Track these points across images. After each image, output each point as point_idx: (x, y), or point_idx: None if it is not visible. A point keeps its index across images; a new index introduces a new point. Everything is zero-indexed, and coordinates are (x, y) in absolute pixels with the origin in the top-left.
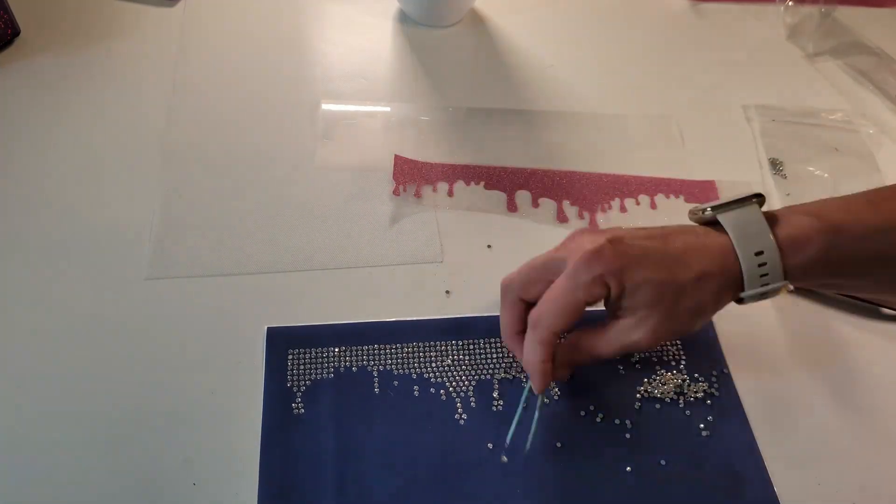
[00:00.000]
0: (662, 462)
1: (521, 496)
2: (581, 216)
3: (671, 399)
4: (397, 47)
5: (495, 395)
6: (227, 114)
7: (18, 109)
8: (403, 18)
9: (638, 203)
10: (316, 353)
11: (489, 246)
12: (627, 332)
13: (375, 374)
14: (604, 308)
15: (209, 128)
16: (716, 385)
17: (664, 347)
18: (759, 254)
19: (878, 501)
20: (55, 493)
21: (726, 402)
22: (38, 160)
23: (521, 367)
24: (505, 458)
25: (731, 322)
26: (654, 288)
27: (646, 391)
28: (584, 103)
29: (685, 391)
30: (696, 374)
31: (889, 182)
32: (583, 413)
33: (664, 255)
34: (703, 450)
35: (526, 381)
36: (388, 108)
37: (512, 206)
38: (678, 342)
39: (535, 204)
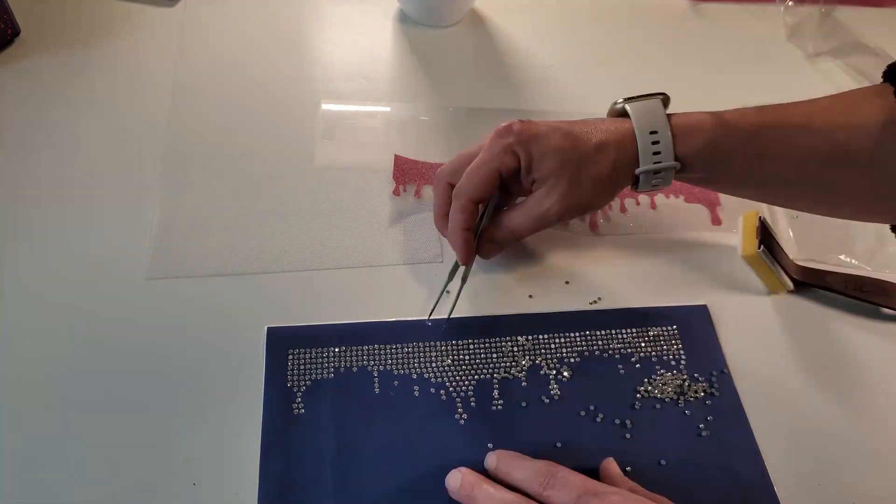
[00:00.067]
0: (662, 462)
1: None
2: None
3: (671, 399)
4: (397, 47)
5: (495, 394)
6: (227, 114)
7: (18, 109)
8: (403, 18)
9: (638, 203)
10: (316, 353)
11: None
12: (539, 202)
13: (376, 374)
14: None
15: (209, 128)
16: (716, 385)
17: (664, 347)
18: (653, 133)
19: (877, 502)
20: (55, 493)
21: (726, 402)
22: (38, 160)
23: (520, 367)
24: (429, 323)
25: (731, 323)
26: (558, 156)
27: (645, 391)
28: (584, 103)
29: (685, 391)
30: (696, 375)
31: None
32: (582, 413)
33: (568, 131)
34: (703, 450)
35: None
36: (388, 108)
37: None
38: (679, 343)
39: None
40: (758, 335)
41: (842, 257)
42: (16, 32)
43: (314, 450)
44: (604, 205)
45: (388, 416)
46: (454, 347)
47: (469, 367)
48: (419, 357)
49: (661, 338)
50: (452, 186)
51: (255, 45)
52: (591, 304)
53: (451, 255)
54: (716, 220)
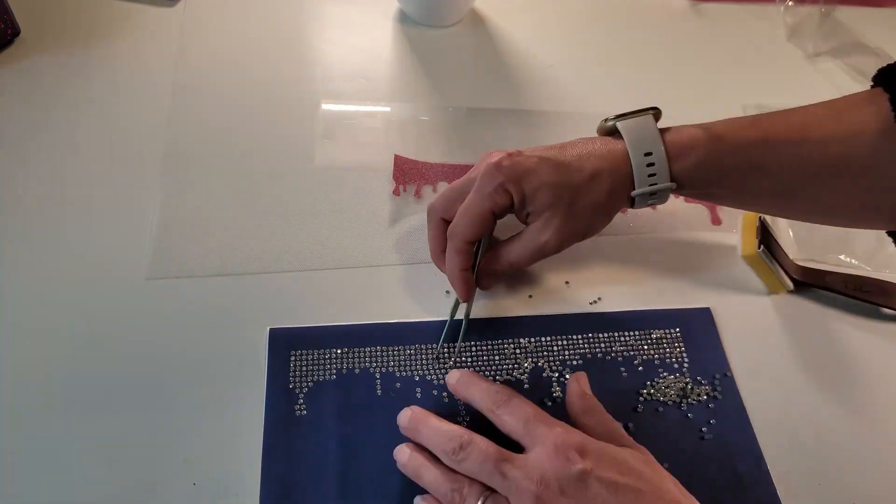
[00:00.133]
0: (665, 465)
1: None
2: None
3: (673, 402)
4: (397, 47)
5: None
6: (226, 114)
7: (18, 109)
8: (403, 18)
9: None
10: (318, 354)
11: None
12: (536, 235)
13: (378, 375)
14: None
15: (209, 128)
16: (718, 388)
17: (667, 350)
18: (647, 154)
19: (878, 502)
20: (55, 493)
21: (729, 404)
22: (37, 160)
23: (522, 370)
24: (444, 355)
25: (731, 323)
26: (550, 190)
27: (648, 394)
28: (584, 103)
29: (688, 394)
30: (699, 378)
31: None
32: None
33: (559, 161)
34: (706, 453)
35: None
36: (388, 108)
37: None
38: (682, 346)
39: None
40: (758, 336)
41: (842, 257)
42: (16, 32)
43: (316, 451)
44: (601, 229)
45: (391, 418)
46: (455, 349)
47: (471, 369)
48: (421, 359)
49: (664, 340)
50: (444, 221)
51: (255, 45)
52: (591, 304)
53: None
54: (716, 220)
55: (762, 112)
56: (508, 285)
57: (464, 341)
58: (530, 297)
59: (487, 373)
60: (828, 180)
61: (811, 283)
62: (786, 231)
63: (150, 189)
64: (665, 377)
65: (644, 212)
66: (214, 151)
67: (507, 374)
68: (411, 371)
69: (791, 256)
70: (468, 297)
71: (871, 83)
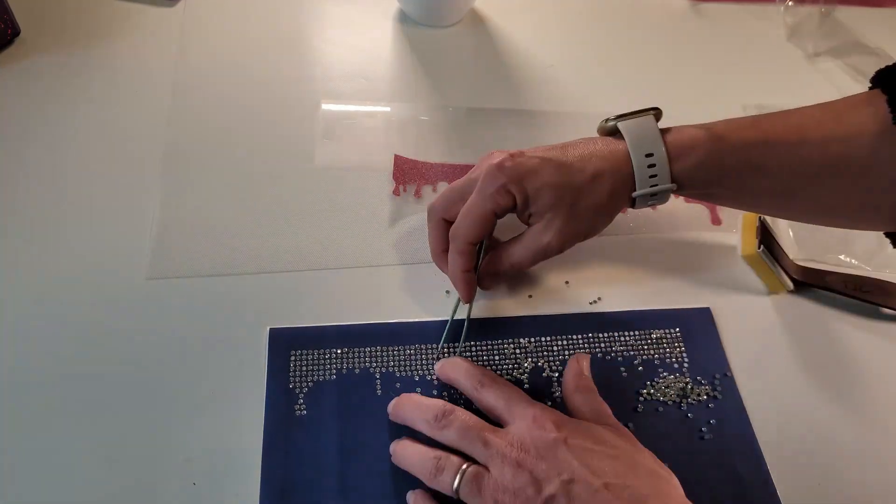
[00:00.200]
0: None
1: None
2: None
3: (673, 402)
4: (397, 47)
5: None
6: (226, 114)
7: (18, 109)
8: (403, 18)
9: None
10: (318, 354)
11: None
12: (538, 236)
13: (378, 375)
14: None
15: (209, 128)
16: (718, 388)
17: (667, 350)
18: (649, 155)
19: (878, 501)
20: (55, 493)
21: (729, 404)
22: (37, 160)
23: (522, 370)
24: (445, 353)
25: (731, 323)
26: (552, 191)
27: (648, 394)
28: (584, 103)
29: (688, 394)
30: (699, 377)
31: None
32: None
33: (561, 162)
34: (706, 452)
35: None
36: (388, 108)
37: None
38: (682, 346)
39: None
40: (758, 336)
41: (842, 257)
42: (16, 32)
43: (316, 451)
44: (602, 229)
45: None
46: (457, 350)
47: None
48: (421, 359)
49: (664, 340)
50: (445, 221)
51: (255, 45)
52: (591, 304)
53: None
54: (716, 220)
55: (762, 112)
56: (508, 285)
57: (465, 341)
58: (530, 297)
59: None
60: (827, 181)
61: (811, 283)
62: (786, 231)
63: (150, 189)
64: (665, 377)
65: (644, 212)
66: (214, 151)
67: (507, 374)
68: (411, 371)
69: (791, 256)
70: (470, 298)
71: (870, 84)
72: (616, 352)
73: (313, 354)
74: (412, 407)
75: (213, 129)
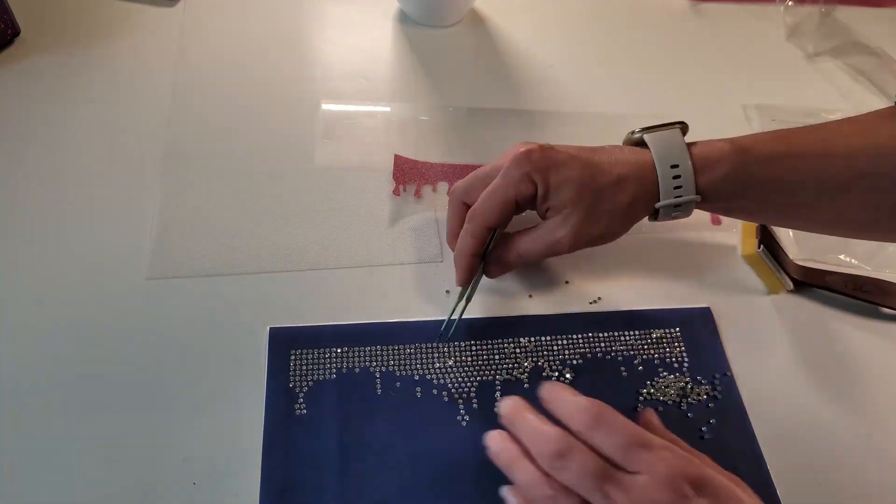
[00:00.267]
0: None
1: None
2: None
3: (673, 402)
4: (397, 47)
5: (498, 396)
6: (226, 114)
7: (18, 109)
8: (403, 18)
9: None
10: (318, 353)
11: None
12: (552, 231)
13: (378, 374)
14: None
15: (209, 128)
16: (718, 388)
17: (667, 350)
18: (674, 167)
19: (877, 501)
20: (55, 493)
21: (729, 404)
22: (38, 160)
23: (522, 369)
24: (442, 343)
25: (731, 323)
26: (575, 187)
27: (648, 393)
28: (584, 103)
29: (688, 394)
30: (699, 377)
31: None
32: None
33: (588, 161)
34: (706, 452)
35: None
36: (388, 108)
37: None
38: (682, 346)
39: None
40: (758, 335)
41: (842, 257)
42: (16, 32)
43: (316, 450)
44: (618, 236)
45: (390, 417)
46: (456, 349)
47: (471, 369)
48: (421, 358)
49: (664, 340)
50: (465, 205)
51: (255, 45)
52: (591, 304)
53: (451, 255)
54: (716, 220)
55: (762, 111)
56: (509, 284)
57: (466, 338)
58: (530, 296)
59: (487, 372)
60: (853, 194)
61: (811, 283)
62: (786, 231)
63: (150, 189)
64: (665, 377)
65: None
66: (214, 151)
67: (507, 374)
68: (411, 370)
69: (791, 256)
70: (465, 283)
71: (895, 100)
72: (616, 352)
73: (313, 354)
74: (529, 430)
75: (213, 129)
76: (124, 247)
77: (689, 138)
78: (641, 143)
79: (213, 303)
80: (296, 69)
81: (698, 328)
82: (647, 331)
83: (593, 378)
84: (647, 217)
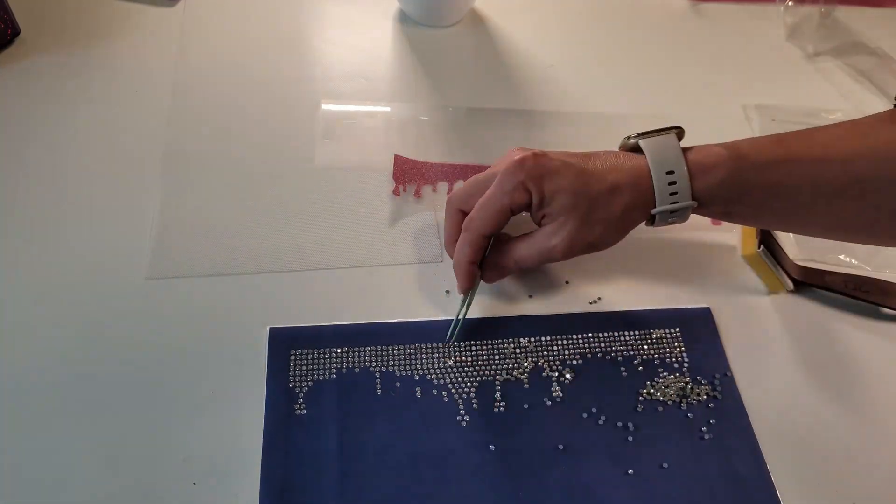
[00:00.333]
0: (664, 465)
1: (523, 498)
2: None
3: (673, 402)
4: (397, 47)
5: (497, 396)
6: (227, 114)
7: (18, 109)
8: (403, 18)
9: None
10: (318, 353)
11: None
12: (547, 238)
13: (378, 375)
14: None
15: (209, 128)
16: (718, 388)
17: (667, 350)
18: (670, 173)
19: (878, 501)
20: (55, 493)
21: (729, 404)
22: (37, 160)
23: (522, 369)
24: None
25: (731, 323)
26: (569, 195)
27: (648, 394)
28: (584, 103)
29: (688, 394)
30: (699, 377)
31: None
32: (585, 415)
33: (582, 169)
34: (706, 452)
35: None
36: (388, 108)
37: None
38: (682, 346)
39: None
40: (758, 335)
41: (842, 257)
42: (16, 32)
43: (316, 450)
44: (613, 244)
45: (390, 417)
46: (456, 349)
47: (471, 369)
48: (421, 358)
49: (664, 340)
50: (462, 212)
51: (255, 45)
52: (591, 304)
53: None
54: (716, 221)
55: (762, 111)
56: (509, 285)
57: (466, 339)
58: (530, 296)
59: (487, 372)
60: (851, 199)
61: (811, 283)
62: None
63: (150, 189)
64: (665, 377)
65: None
66: (214, 151)
67: (507, 374)
68: (411, 370)
69: (791, 256)
70: (467, 290)
71: (894, 103)
72: (616, 352)
73: (313, 354)
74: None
75: (213, 129)
76: (124, 247)
77: (689, 139)
78: (637, 149)
79: (213, 303)
80: (296, 69)
81: (698, 328)
82: (647, 331)
83: (593, 378)
84: (643, 223)
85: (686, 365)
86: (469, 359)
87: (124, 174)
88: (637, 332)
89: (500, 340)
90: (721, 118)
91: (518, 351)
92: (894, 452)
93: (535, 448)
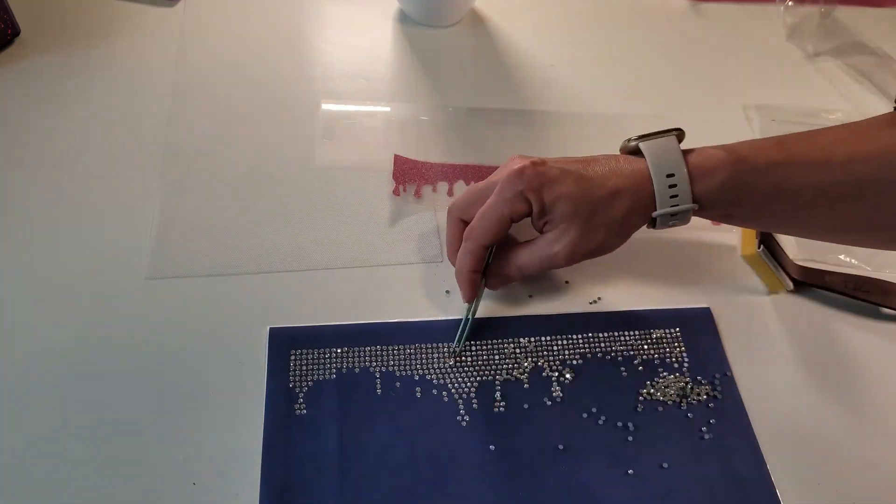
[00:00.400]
0: (664, 465)
1: (523, 498)
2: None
3: (674, 402)
4: (397, 47)
5: (497, 396)
6: (227, 114)
7: (18, 109)
8: (403, 18)
9: None
10: (318, 353)
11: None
12: (549, 245)
13: (378, 374)
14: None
15: (209, 128)
16: (718, 388)
17: (667, 350)
18: (670, 176)
19: (878, 501)
20: (55, 493)
21: (729, 404)
22: (37, 160)
23: (522, 369)
24: (455, 350)
25: (731, 323)
26: (570, 203)
27: (648, 394)
28: (584, 103)
29: (687, 394)
30: (699, 377)
31: None
32: (585, 415)
33: (581, 175)
34: (706, 452)
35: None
36: (388, 108)
37: None
38: (682, 346)
39: None
40: (758, 335)
41: (842, 257)
42: (16, 32)
43: (316, 450)
44: (615, 248)
45: (390, 417)
46: (457, 349)
47: (471, 369)
48: (421, 358)
49: (664, 340)
50: (462, 221)
51: (255, 45)
52: (591, 304)
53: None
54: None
55: (762, 111)
56: (510, 285)
57: (468, 340)
58: (530, 297)
59: (487, 372)
60: (851, 201)
61: (811, 283)
62: None
63: (150, 189)
64: (665, 377)
65: None
66: (214, 151)
67: (507, 374)
68: (411, 370)
69: (791, 256)
70: (470, 299)
71: (894, 105)
72: (616, 352)
73: (313, 354)
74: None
75: (213, 129)
76: (124, 247)
77: (689, 140)
78: (637, 152)
79: (213, 303)
80: (296, 69)
81: (698, 328)
82: (647, 331)
83: (593, 378)
84: (646, 226)
85: (686, 365)
86: (469, 359)
87: (124, 174)
88: (637, 332)
89: (500, 340)
90: (721, 118)
91: (518, 351)
92: (894, 452)
93: (535, 448)
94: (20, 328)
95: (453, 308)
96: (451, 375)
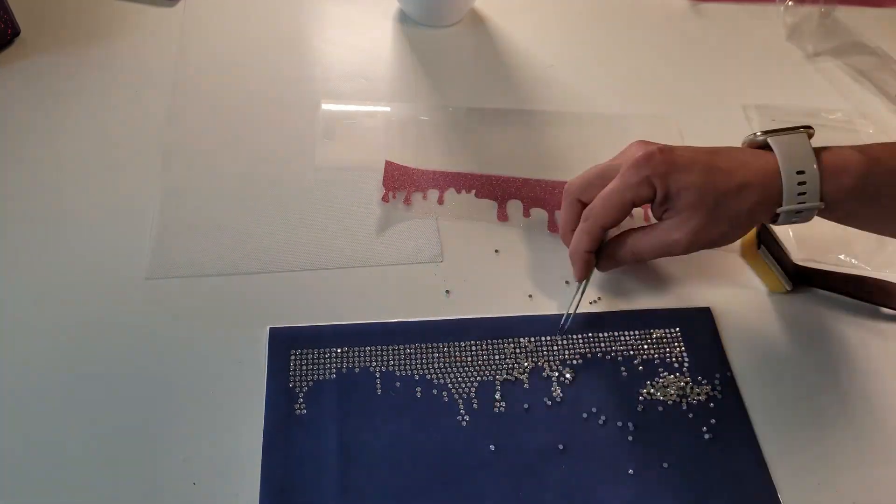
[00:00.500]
0: (665, 465)
1: (523, 498)
2: None
3: (674, 402)
4: (397, 47)
5: (497, 396)
6: (227, 113)
7: (18, 109)
8: (403, 18)
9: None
10: (318, 353)
11: (496, 251)
12: (669, 232)
13: (378, 374)
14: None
15: (209, 128)
16: (719, 388)
17: (667, 350)
18: (800, 172)
19: (878, 501)
20: (55, 493)
21: (729, 404)
22: (37, 160)
23: (522, 369)
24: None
25: (731, 323)
26: (696, 192)
27: (648, 394)
28: (584, 103)
29: (688, 394)
30: (700, 377)
31: None
32: (585, 416)
33: (710, 165)
34: (706, 452)
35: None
36: (388, 108)
37: (502, 216)
38: (682, 346)
39: (527, 213)
40: (758, 335)
41: (842, 257)
42: (16, 32)
43: (316, 450)
44: (734, 241)
45: (391, 417)
46: (457, 349)
47: (471, 369)
48: (422, 358)
49: (664, 340)
50: (580, 202)
51: (255, 45)
52: (591, 304)
53: (451, 256)
54: None
55: (762, 111)
56: (508, 285)
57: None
58: (530, 297)
59: (487, 372)
60: None
61: (811, 283)
62: (786, 231)
63: (149, 189)
64: (665, 377)
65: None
66: (214, 151)
67: (507, 374)
68: (411, 370)
69: (791, 256)
70: (583, 278)
71: None
72: (616, 352)
73: (313, 354)
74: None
75: (213, 128)
76: (124, 247)
77: (689, 139)
78: (765, 146)
79: (213, 303)
80: (296, 69)
81: (698, 328)
82: (647, 331)
83: (593, 378)
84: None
85: (686, 365)
86: (469, 359)
87: (124, 174)
88: (637, 332)
89: (500, 340)
90: (721, 118)
91: (518, 351)
92: (894, 452)
93: (535, 448)
94: (20, 328)
95: (453, 308)
96: (451, 375)
